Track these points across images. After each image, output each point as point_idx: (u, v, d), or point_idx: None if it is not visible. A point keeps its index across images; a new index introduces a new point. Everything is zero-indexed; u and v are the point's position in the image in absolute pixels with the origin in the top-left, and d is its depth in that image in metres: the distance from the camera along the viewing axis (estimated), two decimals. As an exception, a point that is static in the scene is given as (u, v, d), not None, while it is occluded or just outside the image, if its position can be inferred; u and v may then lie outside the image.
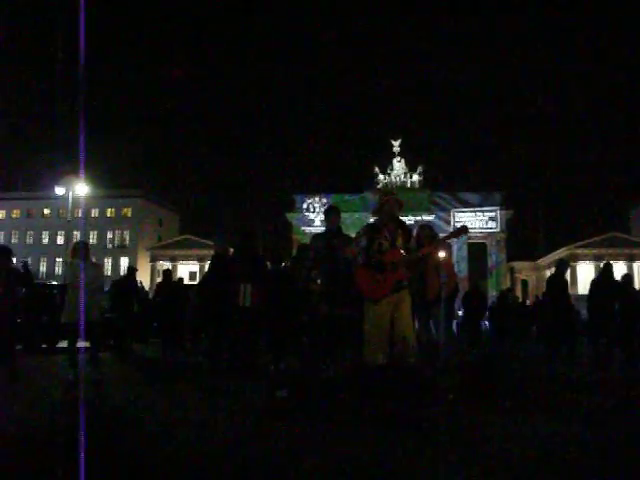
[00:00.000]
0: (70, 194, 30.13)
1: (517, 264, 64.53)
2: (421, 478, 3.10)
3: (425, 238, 6.42)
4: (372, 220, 6.03)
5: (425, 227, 6.99)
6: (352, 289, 5.66)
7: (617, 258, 60.20)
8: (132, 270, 13.61)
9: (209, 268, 8.77)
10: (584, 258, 61.72)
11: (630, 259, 61.12)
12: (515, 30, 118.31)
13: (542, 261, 64.88)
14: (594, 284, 10.72)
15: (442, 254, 4.96)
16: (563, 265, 11.15)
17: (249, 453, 3.53)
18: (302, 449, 3.60)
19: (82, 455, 3.08)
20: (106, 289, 12.15)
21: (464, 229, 5.68)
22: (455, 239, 6.70)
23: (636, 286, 26.60)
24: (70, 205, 31.62)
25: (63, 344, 8.53)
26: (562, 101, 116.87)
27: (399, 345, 5.23)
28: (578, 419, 4.74)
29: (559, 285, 10.70)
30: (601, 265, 12.12)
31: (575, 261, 62.67)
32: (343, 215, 7.38)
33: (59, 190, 30.83)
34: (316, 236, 7.02)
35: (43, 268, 69.86)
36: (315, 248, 6.66)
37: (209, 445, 3.76)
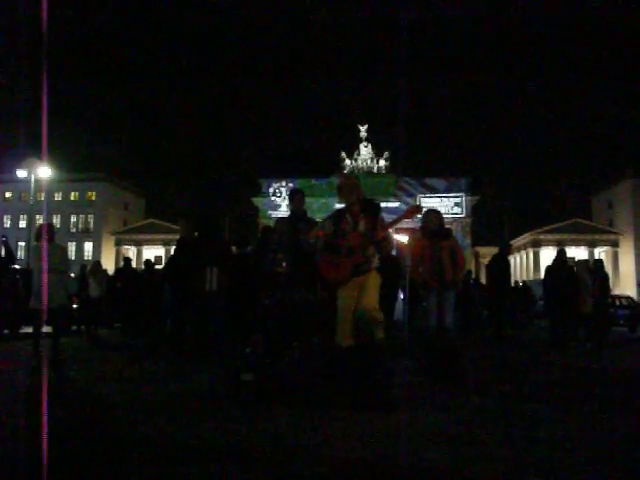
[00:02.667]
0: (32, 177, 29.49)
1: (482, 249, 65.33)
2: (394, 460, 3.16)
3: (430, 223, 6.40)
4: (338, 205, 5.97)
5: (432, 211, 6.92)
6: (317, 273, 5.64)
7: (579, 243, 61.77)
8: (128, 261, 15.12)
9: (174, 252, 8.72)
10: (547, 243, 62.88)
11: (591, 244, 62.66)
12: (485, 15, 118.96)
13: (506, 246, 65.68)
14: (548, 270, 11.01)
15: (405, 238, 4.87)
16: (506, 249, 11.40)
17: (215, 438, 3.56)
18: (269, 434, 3.62)
19: (45, 438, 3.08)
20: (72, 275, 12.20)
21: (416, 208, 5.55)
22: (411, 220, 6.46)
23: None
24: (33, 188, 30.94)
25: (27, 329, 8.40)
26: (527, 87, 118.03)
27: (363, 321, 5.10)
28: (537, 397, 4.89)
29: (499, 267, 10.93)
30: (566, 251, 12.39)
31: (538, 246, 63.90)
32: (310, 200, 7.41)
33: (21, 173, 30.15)
34: (281, 219, 7.04)
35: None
36: (280, 231, 6.65)
37: (173, 430, 3.77)
